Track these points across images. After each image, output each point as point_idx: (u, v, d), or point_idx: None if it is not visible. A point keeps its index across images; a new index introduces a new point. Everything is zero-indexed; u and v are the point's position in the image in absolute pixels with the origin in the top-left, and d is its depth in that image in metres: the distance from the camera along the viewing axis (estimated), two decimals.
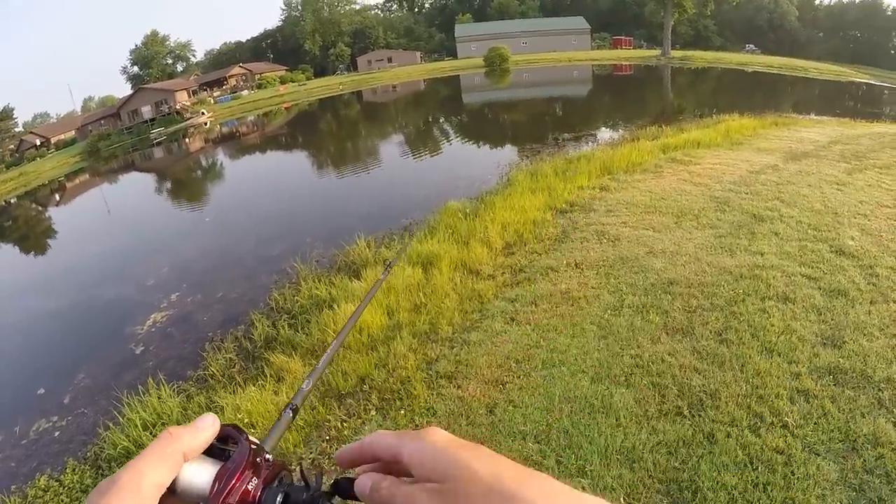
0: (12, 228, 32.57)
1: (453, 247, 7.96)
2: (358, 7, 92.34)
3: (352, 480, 0.57)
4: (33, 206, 39.49)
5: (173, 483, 0.51)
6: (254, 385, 5.80)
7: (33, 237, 26.46)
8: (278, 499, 0.55)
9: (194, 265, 12.59)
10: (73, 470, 5.53)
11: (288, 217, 15.24)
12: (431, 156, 22.36)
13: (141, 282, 12.11)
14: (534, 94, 43.13)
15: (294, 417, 0.82)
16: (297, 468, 0.63)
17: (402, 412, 4.57)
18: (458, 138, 27.41)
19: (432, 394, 4.71)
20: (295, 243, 11.46)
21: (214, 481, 0.53)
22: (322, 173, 23.34)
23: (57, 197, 39.81)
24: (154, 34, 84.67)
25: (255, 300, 8.93)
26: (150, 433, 5.44)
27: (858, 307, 5.06)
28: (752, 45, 74.52)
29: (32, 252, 23.01)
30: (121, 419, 5.87)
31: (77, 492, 5.23)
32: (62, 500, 5.19)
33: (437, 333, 5.70)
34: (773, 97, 31.36)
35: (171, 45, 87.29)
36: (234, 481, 0.53)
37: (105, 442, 5.65)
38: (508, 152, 19.00)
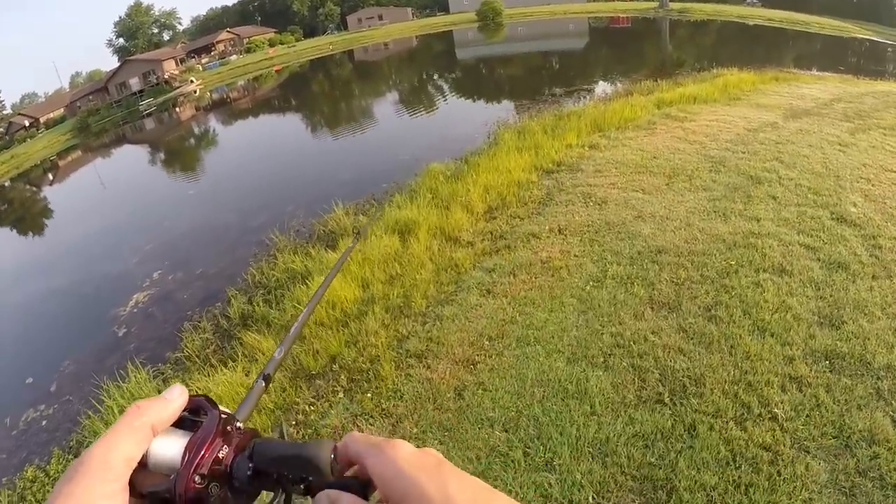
0: (6, 211, 32.38)
1: (433, 212, 7.63)
2: None
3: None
4: (26, 187, 39.21)
5: (144, 457, 0.50)
6: (226, 367, 5.65)
7: (27, 219, 26.26)
8: (248, 469, 0.55)
9: (177, 241, 12.34)
10: (58, 459, 5.54)
11: (272, 185, 14.90)
12: (422, 115, 21.78)
13: (126, 260, 11.91)
14: (528, 49, 42.10)
15: (266, 387, 0.82)
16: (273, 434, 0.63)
17: (370, 395, 4.32)
18: (451, 96, 26.75)
19: (401, 375, 4.44)
20: (276, 213, 11.16)
21: (185, 452, 0.52)
22: (311, 137, 22.92)
23: (50, 176, 39.60)
24: (138, 4, 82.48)
25: (234, 275, 8.67)
26: None
27: (860, 282, 4.70)
28: None
29: (26, 234, 22.90)
30: (100, 407, 5.79)
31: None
32: (48, 491, 4.89)
33: (411, 307, 5.41)
34: (773, 51, 30.43)
35: (156, 14, 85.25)
36: (204, 451, 0.52)
37: (86, 430, 5.61)
38: (500, 109, 18.35)
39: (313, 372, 4.99)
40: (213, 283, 9.14)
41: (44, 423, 7.14)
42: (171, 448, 0.52)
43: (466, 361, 4.39)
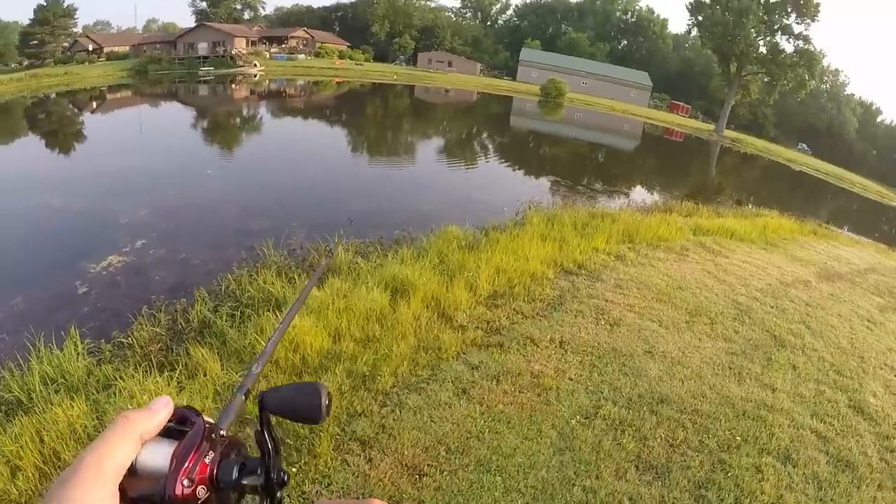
0: (43, 122, 32.78)
1: (434, 279, 7.01)
2: (433, 5, 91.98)
3: (277, 392, 0.65)
4: (69, 106, 39.78)
5: (133, 464, 0.54)
6: (161, 373, 5.07)
7: (58, 135, 26.46)
8: (235, 470, 0.58)
9: (174, 216, 11.89)
10: None
11: (287, 192, 14.49)
12: (459, 170, 21.45)
13: (117, 217, 11.54)
14: (580, 136, 42.29)
15: (246, 401, 0.82)
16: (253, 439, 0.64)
17: (295, 469, 3.73)
18: (493, 159, 26.54)
19: (337, 458, 3.83)
20: (279, 224, 10.67)
21: (172, 459, 0.55)
22: (346, 157, 22.45)
23: (94, 104, 40.18)
24: None
25: (213, 274, 8.14)
26: (47, 388, 5.04)
27: (864, 489, 4.11)
28: (804, 145, 73.02)
29: (51, 149, 23.09)
30: (24, 367, 5.42)
31: None
32: None
33: (375, 382, 4.78)
34: (812, 201, 30.51)
35: None
36: (190, 457, 0.55)
37: (3, 384, 5.21)
38: (536, 187, 18.02)
39: (248, 416, 4.37)
40: (190, 274, 8.64)
41: None
42: (158, 455, 0.55)
43: (413, 469, 3.76)
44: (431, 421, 4.27)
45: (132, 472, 0.53)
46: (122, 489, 0.51)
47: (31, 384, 5.11)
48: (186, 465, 0.55)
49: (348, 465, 3.76)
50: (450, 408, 4.44)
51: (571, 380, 5.01)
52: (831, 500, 3.97)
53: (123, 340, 6.18)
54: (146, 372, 5.14)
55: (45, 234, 11.11)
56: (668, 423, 4.56)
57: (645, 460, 4.08)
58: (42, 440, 4.17)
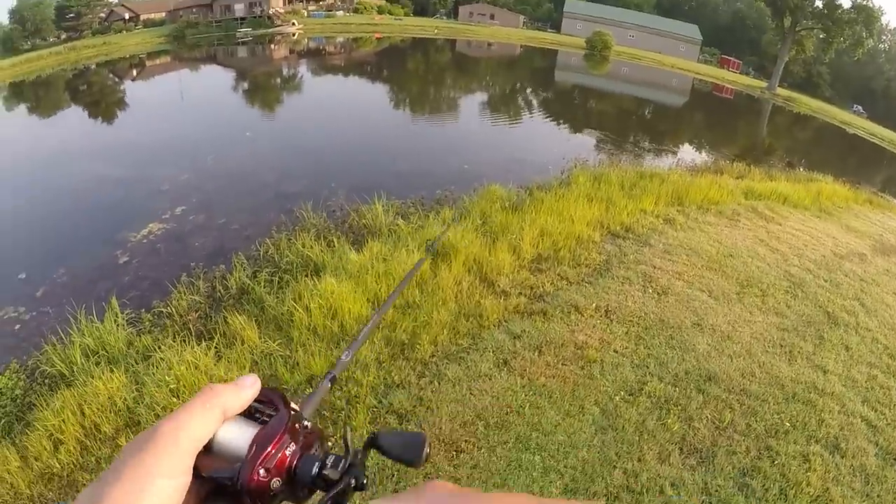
0: (83, 92, 33.38)
1: (476, 242, 6.82)
2: None
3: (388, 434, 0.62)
4: (109, 75, 40.43)
5: (210, 441, 0.50)
6: (198, 343, 5.07)
7: (100, 105, 27.02)
8: (314, 468, 0.55)
9: (213, 181, 11.95)
10: (12, 374, 5.30)
11: (327, 154, 14.36)
12: (503, 127, 20.90)
13: (158, 184, 11.67)
14: (627, 91, 40.89)
15: (332, 387, 0.83)
16: (339, 435, 0.66)
17: (331, 443, 3.59)
18: (537, 115, 25.87)
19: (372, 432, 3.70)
20: (318, 185, 10.59)
21: (252, 444, 0.52)
22: (387, 115, 22.20)
23: (134, 72, 40.89)
24: None
25: (251, 239, 8.12)
26: (88, 362, 5.11)
27: None
28: (859, 107, 68.89)
29: (94, 119, 23.59)
30: (65, 339, 5.51)
31: (7, 399, 4.93)
32: None
33: (414, 350, 4.67)
34: (867, 167, 28.97)
35: None
36: (271, 447, 0.52)
37: (46, 357, 5.32)
38: (581, 144, 17.42)
39: (285, 386, 4.33)
40: (229, 239, 8.66)
41: (17, 326, 6.95)
42: (239, 436, 0.52)
43: (451, 445, 3.65)
44: (471, 394, 4.13)
45: (208, 448, 0.50)
46: (195, 466, 0.47)
47: (72, 357, 5.18)
48: (267, 452, 0.51)
49: None
50: (490, 380, 4.29)
51: (616, 352, 4.79)
52: (878, 495, 3.71)
53: (163, 310, 6.21)
54: (185, 341, 5.17)
55: (88, 205, 11.30)
56: (716, 403, 4.32)
57: (690, 443, 3.87)
58: (83, 413, 4.21)
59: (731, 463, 3.74)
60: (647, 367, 4.63)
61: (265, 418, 0.55)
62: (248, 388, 0.54)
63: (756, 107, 46.81)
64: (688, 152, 19.42)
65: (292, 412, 0.56)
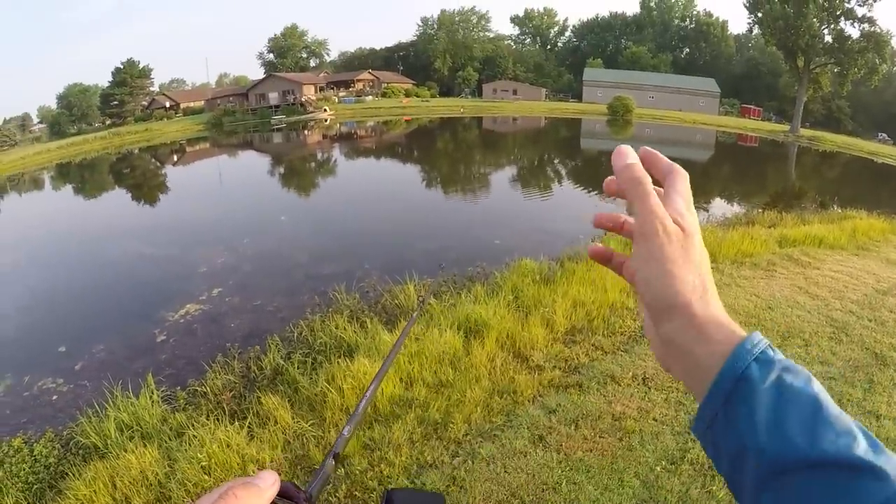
0: (126, 175, 35.02)
1: (509, 317, 6.79)
2: (492, 35, 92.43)
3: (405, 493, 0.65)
4: (151, 160, 42.37)
5: None
6: (232, 422, 5.11)
7: (142, 188, 28.32)
8: None
9: (248, 263, 12.25)
10: (48, 443, 5.46)
11: (360, 234, 14.65)
12: (534, 199, 21.03)
13: (195, 266, 12.06)
14: None
15: (337, 465, 0.82)
16: None
17: None
18: (566, 184, 26.09)
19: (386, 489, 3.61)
20: (351, 266, 10.75)
21: None
22: (419, 193, 22.56)
23: (174, 157, 42.75)
24: (293, 27, 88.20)
25: (286, 319, 8.25)
26: (122, 436, 5.22)
27: None
28: (884, 134, 67.88)
29: (136, 201, 24.66)
30: (100, 413, 5.66)
31: (41, 466, 5.12)
32: (24, 469, 5.05)
33: (448, 429, 4.59)
34: None
35: (309, 40, 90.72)
36: None
37: (80, 429, 5.46)
38: (612, 210, 17.31)
39: (314, 466, 4.28)
40: (264, 320, 8.82)
41: (54, 397, 7.20)
42: None
43: None
44: (505, 471, 4.01)
45: None
46: None
47: (107, 430, 5.28)
48: None
49: None
50: (525, 457, 4.17)
51: (656, 420, 4.62)
52: None
53: (198, 388, 6.31)
54: (218, 420, 5.21)
55: (128, 283, 11.74)
56: None
57: None
58: (115, 485, 4.28)
59: None
60: (689, 434, 4.44)
61: None
62: (269, 489, 0.53)
63: (781, 151, 46.64)
64: (718, 206, 19.28)
65: (306, 500, 0.58)
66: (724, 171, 33.72)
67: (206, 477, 4.22)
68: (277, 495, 0.55)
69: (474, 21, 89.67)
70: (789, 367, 0.51)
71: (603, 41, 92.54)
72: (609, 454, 4.16)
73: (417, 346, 5.94)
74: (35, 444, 5.41)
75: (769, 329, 6.59)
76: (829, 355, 5.97)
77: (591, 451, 4.21)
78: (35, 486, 4.85)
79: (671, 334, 0.56)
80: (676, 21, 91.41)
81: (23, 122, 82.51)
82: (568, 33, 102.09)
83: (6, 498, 4.57)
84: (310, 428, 4.82)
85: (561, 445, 4.29)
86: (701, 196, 21.89)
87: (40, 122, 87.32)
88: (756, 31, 60.15)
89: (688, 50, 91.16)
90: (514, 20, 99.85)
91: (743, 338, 0.53)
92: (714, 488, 3.83)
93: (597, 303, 7.19)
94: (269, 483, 0.53)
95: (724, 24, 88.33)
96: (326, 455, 0.81)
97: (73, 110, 77.24)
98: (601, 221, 0.70)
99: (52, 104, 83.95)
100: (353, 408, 4.94)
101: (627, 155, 0.65)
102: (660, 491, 3.80)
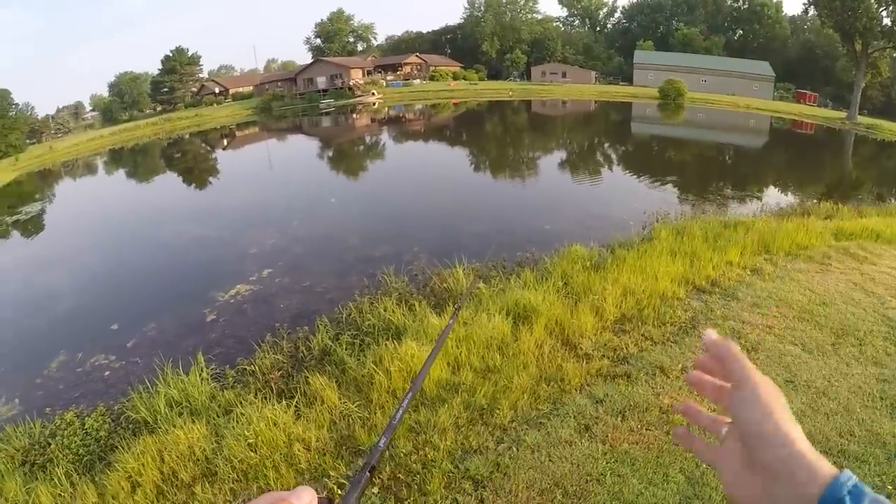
0: (178, 159, 35.94)
1: (558, 304, 6.75)
2: (540, 17, 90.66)
3: None
4: (202, 144, 43.37)
5: None
6: (279, 401, 5.26)
7: (194, 172, 29.02)
8: None
9: (298, 245, 12.47)
10: (99, 417, 5.67)
11: (409, 218, 14.72)
12: (583, 184, 20.71)
13: (245, 248, 12.29)
14: (704, 137, 40.00)
15: (371, 478, 0.82)
16: None
17: None
18: (617, 169, 25.60)
19: (447, 497, 3.72)
20: (400, 249, 10.84)
21: None
22: (467, 177, 22.50)
23: (225, 142, 43.73)
24: (340, 12, 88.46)
25: (335, 301, 8.40)
26: (171, 412, 5.43)
27: None
28: None
29: (188, 184, 25.28)
30: (151, 389, 5.89)
31: (91, 439, 5.32)
32: (75, 441, 5.24)
33: (493, 415, 4.61)
34: None
35: (355, 24, 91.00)
36: None
37: (131, 404, 5.69)
38: (662, 197, 16.97)
39: (361, 447, 4.36)
40: (313, 301, 8.99)
41: (106, 373, 7.51)
42: None
43: None
44: (549, 460, 4.01)
45: None
46: None
47: (156, 406, 5.50)
48: None
49: None
50: (570, 446, 4.16)
51: None
52: None
53: (246, 367, 6.49)
54: (265, 398, 5.37)
55: (181, 264, 12.10)
56: None
57: None
58: (163, 459, 4.46)
59: None
60: None
61: None
62: None
63: (838, 139, 44.71)
64: (772, 196, 18.66)
65: None
66: (778, 159, 32.63)
67: (253, 454, 4.35)
68: None
69: (522, 2, 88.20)
70: (878, 500, 0.54)
71: (654, 22, 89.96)
72: (655, 447, 4.12)
73: (466, 331, 5.97)
74: (87, 418, 5.65)
75: (823, 325, 6.38)
76: (883, 356, 5.75)
77: (636, 443, 4.17)
78: (85, 458, 5.08)
79: (774, 463, 0.60)
80: (729, 1, 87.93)
81: (76, 111, 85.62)
82: (617, 14, 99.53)
83: (57, 469, 4.76)
84: (356, 409, 4.91)
85: (607, 436, 4.26)
86: (755, 184, 21.33)
87: (93, 110, 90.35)
88: (812, 12, 57.36)
89: (741, 32, 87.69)
90: (563, 1, 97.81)
91: (837, 473, 0.57)
92: None
93: (647, 291, 7.09)
94: (306, 501, 0.55)
95: (778, 5, 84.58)
96: (362, 468, 0.82)
97: (124, 98, 79.73)
98: (699, 381, 0.74)
99: (104, 92, 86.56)
100: (399, 392, 5.02)
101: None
102: (704, 488, 3.74)
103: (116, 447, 4.98)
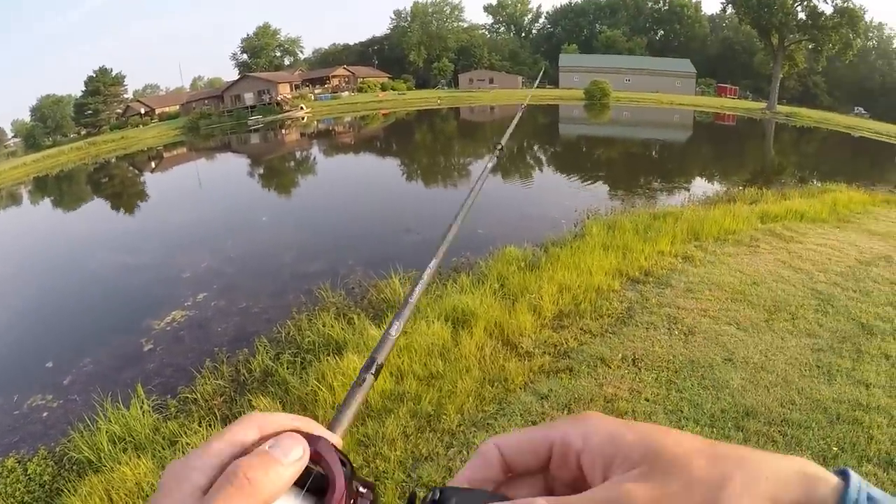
0: (105, 185, 34.63)
1: (496, 305, 6.78)
2: (466, 25, 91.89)
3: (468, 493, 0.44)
4: (129, 168, 41.97)
5: None
6: (224, 425, 4.94)
7: (121, 197, 28.07)
8: None
9: (231, 266, 12.20)
10: (41, 461, 5.47)
11: (342, 230, 14.61)
12: (514, 187, 21.03)
13: (180, 272, 11.96)
14: (631, 134, 41.38)
15: (375, 379, 0.67)
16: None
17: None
18: (547, 171, 26.13)
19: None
20: (335, 263, 10.72)
21: None
22: (399, 187, 22.52)
23: (152, 164, 42.47)
24: (266, 26, 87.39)
25: (272, 321, 8.20)
26: (115, 448, 5.20)
27: None
28: (861, 108, 68.55)
29: (115, 210, 24.51)
30: (92, 426, 5.64)
31: (35, 485, 5.14)
32: (18, 489, 5.08)
33: (441, 421, 4.59)
34: (879, 167, 28.91)
35: (282, 38, 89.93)
36: None
37: (73, 444, 5.44)
38: (593, 195, 17.35)
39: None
40: (250, 323, 8.77)
41: (45, 414, 7.15)
42: None
43: None
44: None
45: None
46: None
47: (99, 443, 5.26)
48: None
49: None
50: None
51: (648, 400, 4.65)
52: None
53: (188, 395, 6.30)
54: (210, 426, 5.22)
55: (112, 294, 11.63)
56: (757, 438, 4.14)
57: None
58: (111, 499, 4.26)
59: None
60: (682, 412, 4.47)
61: (315, 482, 0.43)
62: (293, 466, 0.41)
63: (759, 128, 47.10)
64: (699, 186, 19.41)
65: (345, 472, 0.43)
66: (703, 151, 34.04)
67: None
68: (311, 463, 0.43)
69: (447, 12, 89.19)
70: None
71: (577, 26, 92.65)
72: None
73: (406, 340, 5.91)
74: (28, 463, 5.43)
75: (755, 304, 6.65)
76: (815, 327, 6.04)
77: None
78: None
79: None
80: (650, 3, 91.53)
81: None
82: (542, 20, 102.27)
83: None
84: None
85: None
86: (682, 176, 22.13)
87: (14, 136, 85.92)
88: (730, 10, 60.61)
89: (662, 32, 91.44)
90: (488, 9, 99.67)
91: None
92: None
93: (583, 286, 7.21)
94: (294, 457, 0.41)
95: (697, 5, 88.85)
96: (363, 370, 0.66)
97: (47, 122, 76.21)
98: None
99: (26, 117, 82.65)
100: (334, 402, 4.94)
101: None
102: (785, 454, 3.79)
103: (62, 490, 4.78)
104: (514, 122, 2.12)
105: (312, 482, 0.43)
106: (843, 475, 0.41)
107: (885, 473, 3.73)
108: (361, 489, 0.46)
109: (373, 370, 0.67)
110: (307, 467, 0.43)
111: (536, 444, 0.45)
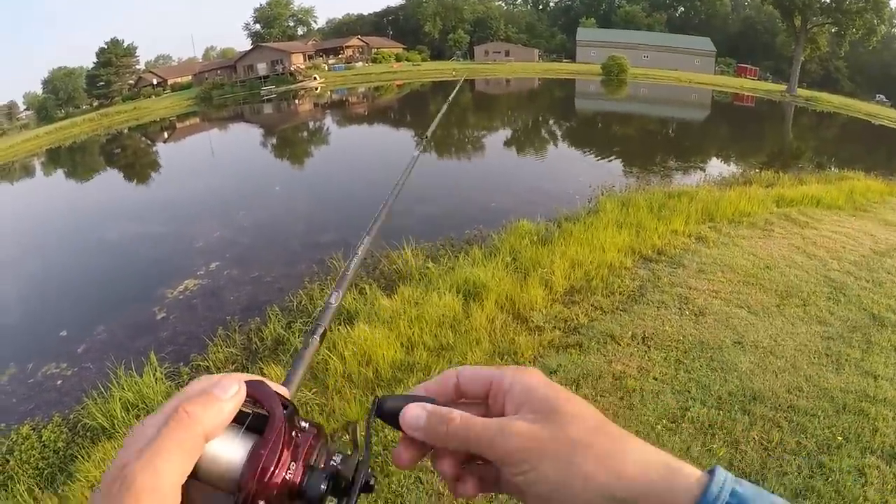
0: (118, 155, 34.71)
1: (508, 279, 6.80)
2: None
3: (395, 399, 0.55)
4: (142, 139, 41.98)
5: (195, 468, 0.43)
6: None
7: (134, 167, 28.11)
8: (322, 485, 0.47)
9: (244, 235, 12.22)
10: (55, 427, 5.54)
11: (355, 201, 14.51)
12: (528, 161, 20.96)
13: (192, 241, 12.01)
14: (647, 111, 40.85)
15: (322, 343, 0.74)
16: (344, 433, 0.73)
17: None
18: (561, 146, 25.88)
19: (410, 477, 3.72)
20: (348, 234, 10.65)
21: (245, 473, 0.43)
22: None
23: (165, 134, 42.42)
24: None
25: (285, 290, 8.28)
26: (128, 415, 5.26)
27: None
28: (882, 96, 66.77)
29: (129, 180, 24.49)
30: (105, 393, 5.70)
31: (50, 451, 5.20)
32: (33, 455, 5.15)
33: None
34: None
35: (295, 8, 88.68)
36: (268, 475, 0.43)
37: (87, 411, 5.50)
38: (607, 171, 17.15)
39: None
40: (263, 292, 8.83)
41: (59, 382, 7.23)
42: (226, 462, 0.44)
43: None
44: None
45: (194, 474, 0.43)
46: (184, 491, 0.41)
47: (113, 410, 5.33)
48: (265, 483, 0.43)
49: (422, 484, 3.65)
50: None
51: (656, 379, 4.66)
52: None
53: (200, 363, 6.39)
54: None
55: (126, 263, 11.69)
56: (762, 423, 4.14)
57: (737, 468, 3.70)
58: None
59: (783, 484, 3.56)
60: (689, 392, 4.48)
61: (255, 421, 0.46)
62: (230, 401, 0.45)
63: (778, 111, 46.26)
64: (715, 166, 19.17)
65: (285, 411, 0.47)
66: (721, 131, 33.56)
67: None
68: (249, 400, 0.47)
69: None
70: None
71: (596, 0, 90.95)
72: (610, 413, 4.19)
73: (417, 311, 5.97)
74: (43, 430, 5.50)
75: (767, 288, 6.61)
76: (826, 315, 6.00)
77: None
78: (46, 472, 4.94)
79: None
80: None
81: (9, 111, 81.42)
82: None
83: (18, 485, 4.62)
84: (313, 396, 4.86)
85: None
86: (698, 156, 21.87)
87: (27, 109, 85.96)
88: None
89: (682, 9, 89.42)
90: None
91: None
92: (714, 446, 3.89)
93: (595, 263, 7.22)
94: (230, 393, 0.45)
95: None
96: (307, 332, 0.74)
97: (59, 94, 76.17)
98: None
99: (38, 90, 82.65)
100: (355, 375, 4.99)
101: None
102: (661, 449, 3.82)
103: (76, 457, 4.85)
104: (443, 110, 2.18)
105: (252, 420, 0.46)
106: (711, 472, 0.47)
107: (888, 466, 3.72)
108: (304, 424, 0.49)
109: (317, 334, 0.75)
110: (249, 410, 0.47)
111: (483, 379, 0.56)
